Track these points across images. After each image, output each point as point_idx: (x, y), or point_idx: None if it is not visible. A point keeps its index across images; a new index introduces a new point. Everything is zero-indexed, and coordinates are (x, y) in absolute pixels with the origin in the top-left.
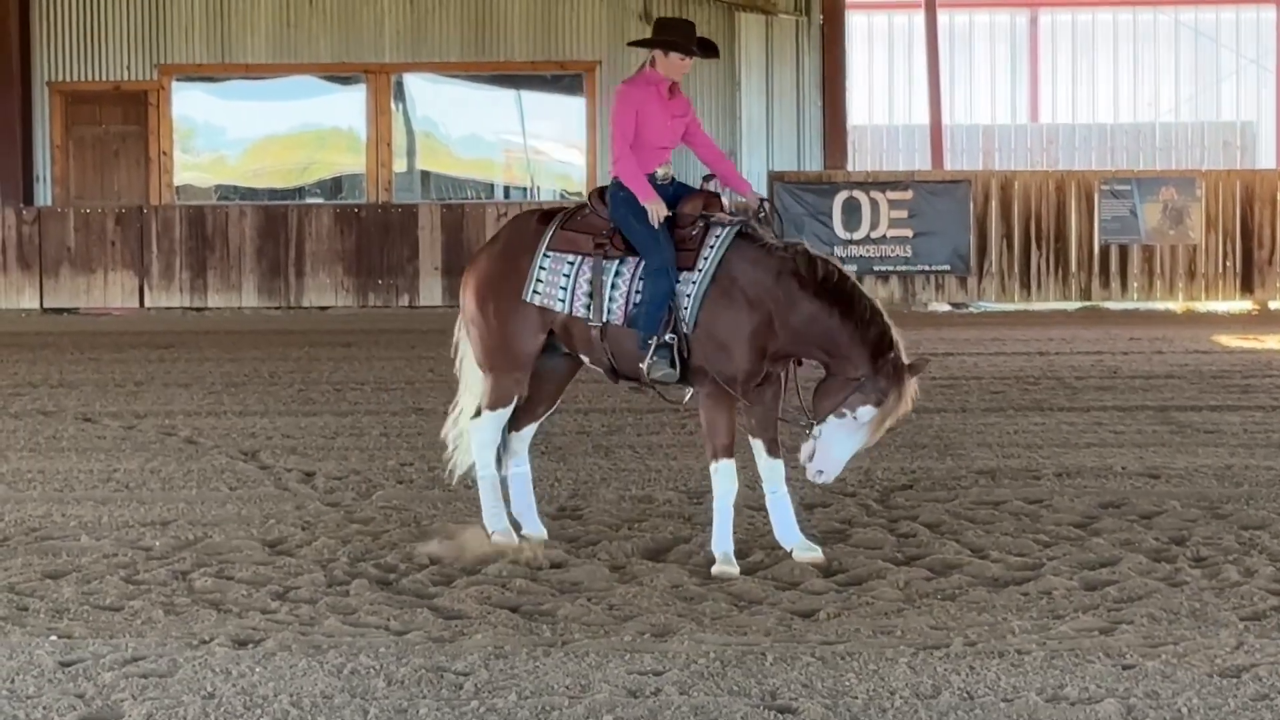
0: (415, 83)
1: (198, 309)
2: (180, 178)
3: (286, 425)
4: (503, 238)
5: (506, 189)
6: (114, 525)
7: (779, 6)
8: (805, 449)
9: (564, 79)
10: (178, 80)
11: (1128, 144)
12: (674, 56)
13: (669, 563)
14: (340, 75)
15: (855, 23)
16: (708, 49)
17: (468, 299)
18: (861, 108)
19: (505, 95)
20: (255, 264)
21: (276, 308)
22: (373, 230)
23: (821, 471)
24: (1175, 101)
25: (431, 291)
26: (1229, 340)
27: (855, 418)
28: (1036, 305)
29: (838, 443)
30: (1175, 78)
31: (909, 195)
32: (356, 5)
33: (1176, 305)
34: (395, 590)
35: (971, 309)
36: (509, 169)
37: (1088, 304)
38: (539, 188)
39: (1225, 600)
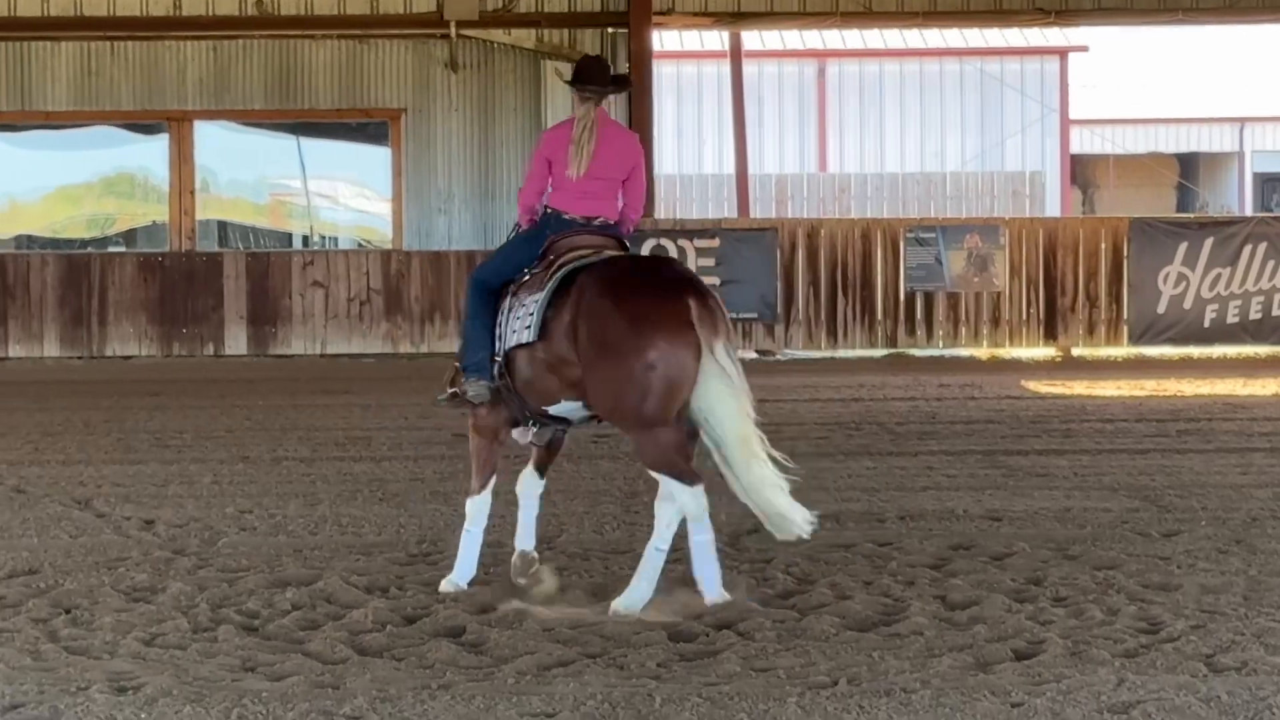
0: (216, 131)
1: None
2: None
3: (114, 474)
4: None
5: (305, 239)
6: None
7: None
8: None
9: (369, 127)
10: None
11: (919, 193)
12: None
13: (534, 605)
14: (142, 123)
15: (663, 72)
16: (618, 82)
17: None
18: (668, 157)
19: (308, 144)
20: (57, 313)
21: (79, 357)
22: (176, 279)
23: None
24: (961, 151)
25: (237, 340)
26: (1039, 386)
27: None
28: (843, 352)
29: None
30: (961, 128)
31: (716, 243)
32: (159, 52)
33: (981, 352)
34: (263, 635)
35: (779, 357)
36: (310, 218)
37: (894, 351)
38: (337, 238)
39: (1096, 639)
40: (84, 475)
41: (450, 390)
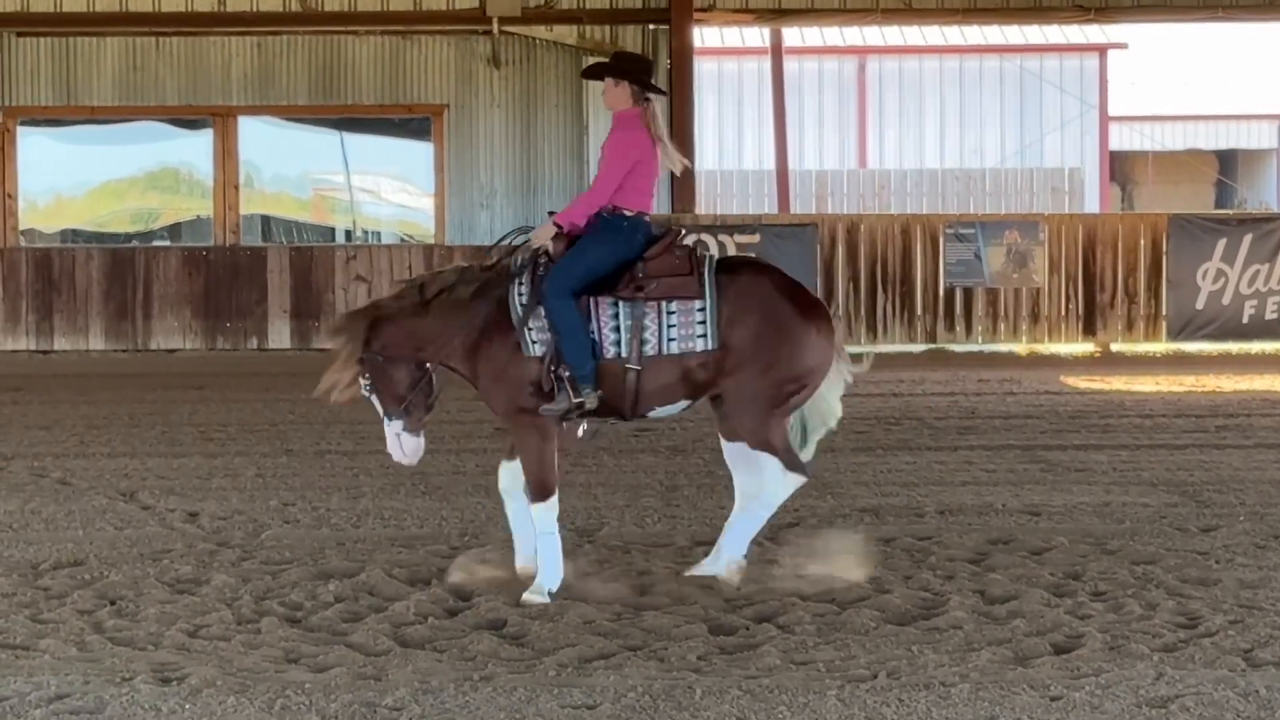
0: (260, 126)
1: (44, 352)
2: (26, 221)
3: (158, 466)
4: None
5: (348, 234)
6: (6, 566)
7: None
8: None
9: (412, 123)
10: (23, 124)
11: (958, 189)
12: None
13: (575, 600)
14: (187, 118)
15: (704, 69)
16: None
17: None
18: (709, 152)
19: (351, 139)
20: (102, 307)
21: (123, 351)
22: (220, 273)
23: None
24: (1001, 148)
25: (280, 334)
26: (1077, 382)
27: None
28: (883, 347)
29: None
30: (1001, 124)
31: (757, 239)
32: (204, 48)
33: (1020, 347)
34: (306, 627)
35: None
36: (352, 213)
37: (933, 346)
38: (379, 233)
39: (1134, 633)
40: (129, 468)
41: None
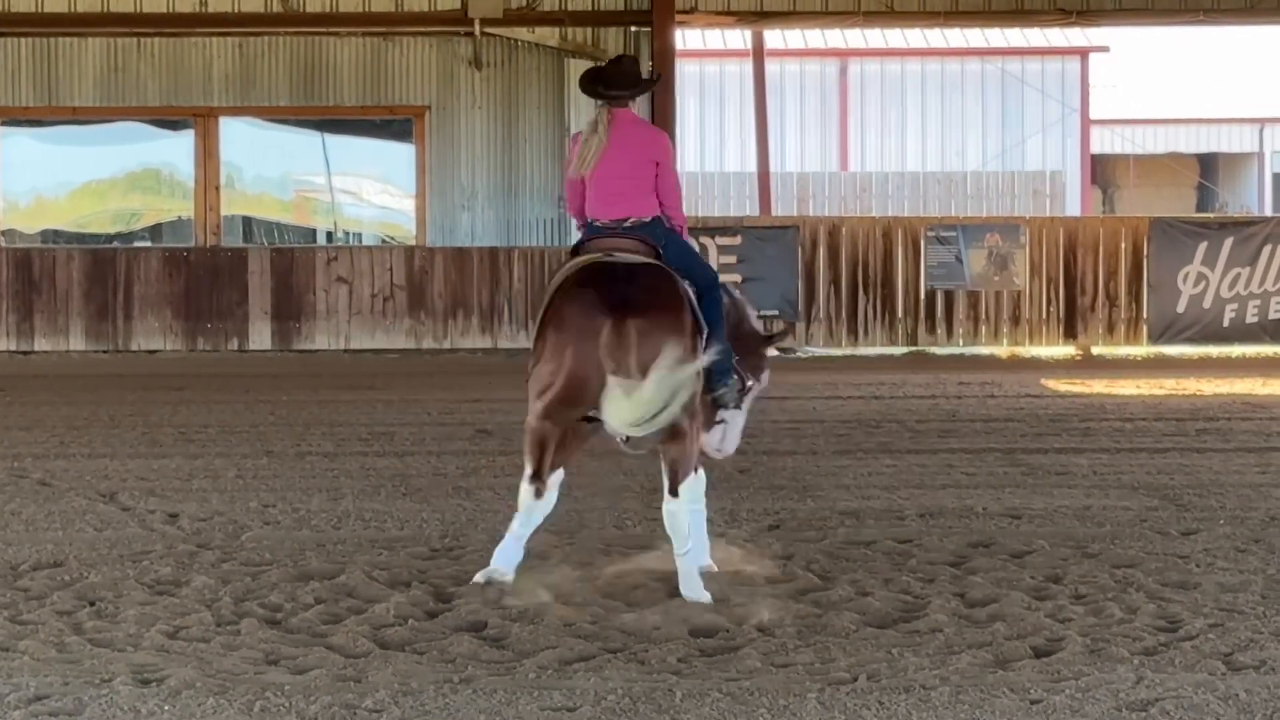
0: (242, 127)
1: (24, 352)
2: (6, 221)
3: (138, 467)
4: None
5: (329, 235)
6: None
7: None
8: (713, 436)
9: (393, 124)
10: (3, 124)
11: (940, 192)
12: None
13: (555, 601)
14: (168, 119)
15: (686, 71)
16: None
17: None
18: (691, 154)
19: (333, 140)
20: (83, 307)
21: (104, 351)
22: (201, 274)
23: (735, 447)
24: (982, 150)
25: (261, 336)
26: (1058, 385)
27: (760, 383)
28: (864, 350)
29: (742, 415)
30: (982, 127)
31: (738, 240)
32: (185, 49)
33: (1001, 350)
34: (286, 629)
35: (800, 354)
36: (334, 214)
37: (914, 349)
38: (361, 234)
39: (1115, 637)
40: (109, 469)
41: None
